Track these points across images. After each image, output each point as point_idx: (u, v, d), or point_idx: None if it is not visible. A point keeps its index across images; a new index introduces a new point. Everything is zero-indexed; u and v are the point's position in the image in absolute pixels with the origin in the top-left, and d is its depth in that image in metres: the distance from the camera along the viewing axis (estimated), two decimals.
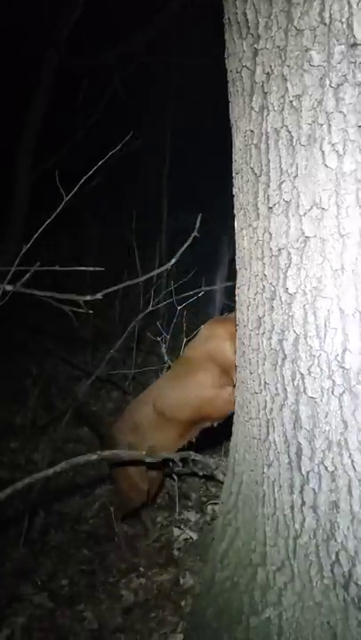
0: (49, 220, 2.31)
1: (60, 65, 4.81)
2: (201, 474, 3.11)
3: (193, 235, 2.92)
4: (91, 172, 2.33)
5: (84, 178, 2.30)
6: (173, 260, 2.85)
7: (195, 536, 2.88)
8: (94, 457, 2.16)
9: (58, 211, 2.28)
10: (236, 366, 2.25)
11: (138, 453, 2.44)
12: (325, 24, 1.49)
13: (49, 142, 5.26)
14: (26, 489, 2.15)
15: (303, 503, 1.88)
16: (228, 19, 1.76)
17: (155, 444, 2.58)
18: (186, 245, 2.94)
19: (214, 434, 2.72)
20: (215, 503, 3.26)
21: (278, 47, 1.59)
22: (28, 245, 2.26)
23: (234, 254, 2.13)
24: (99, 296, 2.64)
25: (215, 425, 2.61)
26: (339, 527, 1.82)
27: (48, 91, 4.89)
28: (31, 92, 4.95)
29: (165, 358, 3.51)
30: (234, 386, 2.26)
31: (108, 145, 2.72)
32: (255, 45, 1.65)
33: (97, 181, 5.10)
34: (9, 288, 2.40)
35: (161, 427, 2.59)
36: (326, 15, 1.48)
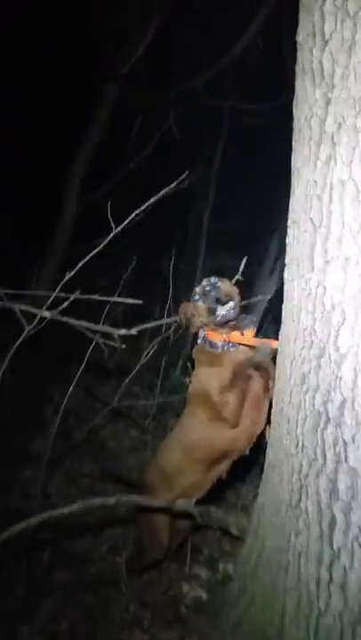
0: (96, 250, 2.28)
1: (117, 98, 4.88)
2: (216, 527, 2.97)
3: (236, 277, 2.86)
4: (143, 207, 2.28)
5: (135, 213, 2.25)
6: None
7: (205, 595, 2.72)
8: (112, 501, 2.05)
9: (105, 242, 2.24)
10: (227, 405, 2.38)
11: (158, 502, 2.33)
12: None
13: (97, 174, 5.30)
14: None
15: (331, 580, 1.74)
16: (303, 66, 1.71)
17: (184, 487, 2.54)
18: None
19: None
20: (228, 561, 3.10)
21: (353, 98, 1.53)
22: (72, 273, 2.23)
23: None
24: (133, 331, 2.58)
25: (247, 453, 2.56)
26: None
27: (104, 122, 4.95)
28: (87, 122, 5.02)
29: None
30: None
31: (155, 181, 2.70)
32: (329, 94, 1.60)
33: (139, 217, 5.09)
34: (46, 314, 2.35)
35: (186, 469, 2.54)
36: None
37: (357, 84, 1.52)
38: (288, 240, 1.88)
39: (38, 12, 5.03)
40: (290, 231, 1.86)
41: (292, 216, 1.85)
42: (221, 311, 2.44)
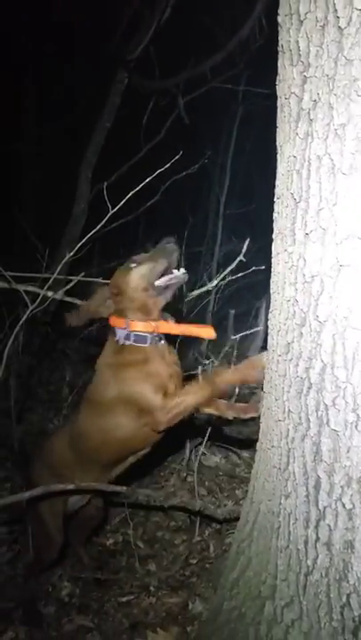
0: (98, 227, 2.37)
1: (128, 85, 4.96)
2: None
3: (238, 259, 2.93)
4: (141, 185, 2.37)
5: (133, 192, 2.34)
6: (215, 282, 2.86)
7: (209, 565, 2.83)
8: (27, 495, 2.12)
9: (102, 223, 2.33)
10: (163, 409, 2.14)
11: (72, 485, 2.26)
12: None
13: (109, 159, 5.39)
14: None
15: (318, 539, 1.82)
16: (282, 46, 1.78)
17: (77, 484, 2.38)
18: (230, 269, 2.95)
19: None
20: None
21: (327, 76, 1.59)
22: (72, 254, 2.33)
23: None
24: None
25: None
26: (352, 568, 1.75)
27: (114, 109, 5.04)
28: (98, 109, 5.11)
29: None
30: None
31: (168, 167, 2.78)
32: (305, 73, 1.66)
33: (154, 200, 5.18)
34: (50, 294, 2.47)
35: (81, 468, 2.39)
36: None
37: (330, 62, 1.58)
38: (274, 215, 1.94)
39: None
40: (275, 206, 1.93)
41: (276, 192, 1.91)
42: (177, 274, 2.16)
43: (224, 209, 6.84)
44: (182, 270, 2.18)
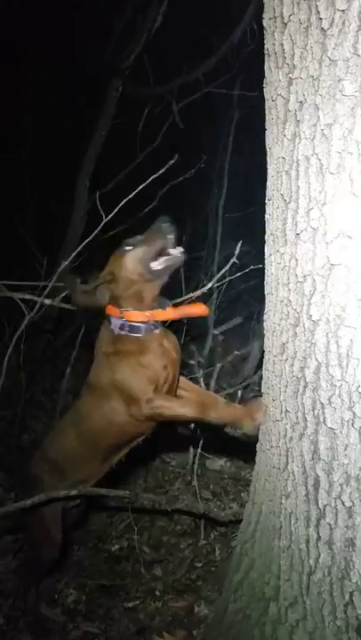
0: (92, 235, 2.38)
1: (122, 93, 4.99)
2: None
3: (232, 260, 2.93)
4: (135, 192, 2.38)
5: (127, 198, 2.35)
6: (210, 284, 2.87)
7: (215, 568, 2.83)
8: (29, 502, 2.10)
9: (98, 230, 2.35)
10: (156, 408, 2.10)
11: (75, 491, 2.26)
12: (358, 55, 1.50)
13: (108, 166, 5.42)
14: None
15: (319, 538, 1.83)
16: (267, 49, 1.79)
17: (80, 476, 2.39)
18: (224, 270, 2.95)
19: None
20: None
21: (312, 77, 1.60)
22: (67, 262, 2.34)
23: None
24: None
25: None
26: (354, 566, 1.76)
27: (109, 117, 5.07)
28: (92, 117, 5.15)
29: (201, 384, 3.51)
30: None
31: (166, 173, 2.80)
32: (290, 75, 1.68)
33: (152, 206, 5.19)
34: (47, 302, 2.49)
35: (84, 457, 2.37)
36: (360, 47, 1.49)
37: (314, 63, 1.59)
38: (266, 217, 1.96)
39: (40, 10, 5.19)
40: (267, 208, 1.94)
41: (267, 193, 1.93)
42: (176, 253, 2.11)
43: (223, 213, 6.85)
44: (179, 249, 2.13)
